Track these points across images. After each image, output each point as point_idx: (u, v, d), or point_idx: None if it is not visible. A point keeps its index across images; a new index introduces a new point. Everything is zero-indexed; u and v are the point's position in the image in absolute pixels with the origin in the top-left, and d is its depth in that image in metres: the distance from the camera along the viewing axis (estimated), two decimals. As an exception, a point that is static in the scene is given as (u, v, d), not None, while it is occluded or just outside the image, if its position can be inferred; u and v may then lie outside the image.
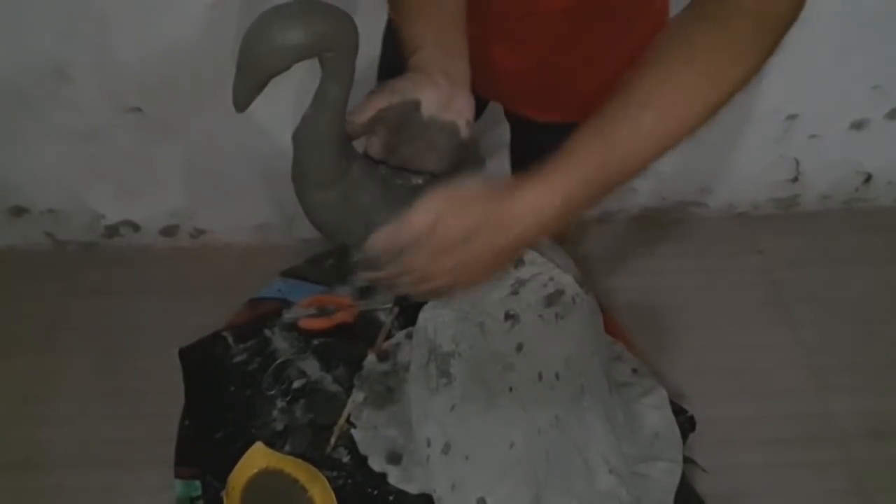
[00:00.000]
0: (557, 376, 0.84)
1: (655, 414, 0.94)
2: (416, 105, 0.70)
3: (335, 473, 0.89)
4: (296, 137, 0.69)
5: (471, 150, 0.75)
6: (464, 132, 0.73)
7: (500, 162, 1.20)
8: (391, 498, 0.87)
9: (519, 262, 0.85)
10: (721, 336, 1.66)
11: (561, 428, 0.84)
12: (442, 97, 0.71)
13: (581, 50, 0.94)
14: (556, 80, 0.99)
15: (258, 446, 0.89)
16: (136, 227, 1.85)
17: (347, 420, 0.93)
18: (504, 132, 1.20)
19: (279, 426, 0.94)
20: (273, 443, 0.91)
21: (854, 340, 1.67)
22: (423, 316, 0.87)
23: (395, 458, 0.89)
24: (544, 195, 0.64)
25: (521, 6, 0.89)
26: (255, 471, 0.89)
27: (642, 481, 0.87)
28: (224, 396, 0.97)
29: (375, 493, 0.88)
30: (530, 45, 0.94)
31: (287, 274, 1.14)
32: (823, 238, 1.85)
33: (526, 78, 1.00)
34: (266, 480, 0.88)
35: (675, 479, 0.89)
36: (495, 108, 1.14)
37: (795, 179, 1.83)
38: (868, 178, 1.84)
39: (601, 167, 0.64)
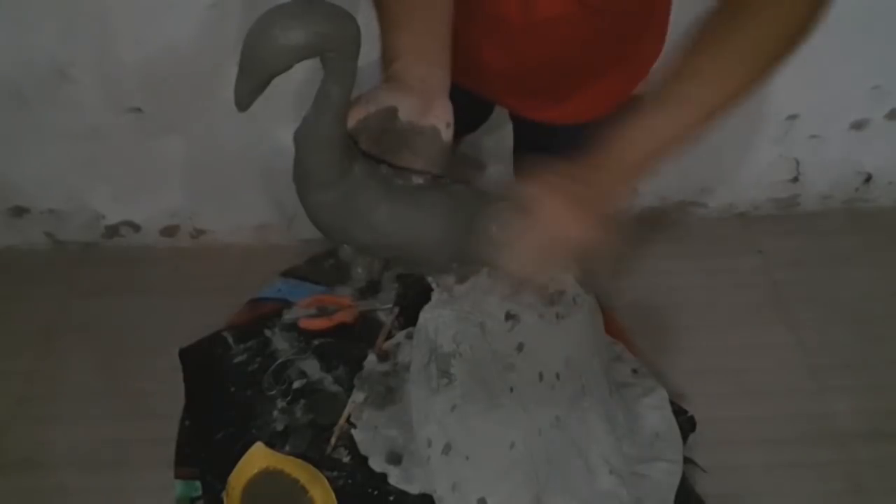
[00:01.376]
0: (558, 376, 0.84)
1: (656, 414, 0.94)
2: (394, 112, 0.71)
3: (335, 474, 0.89)
4: (297, 138, 0.69)
5: (461, 156, 0.75)
6: (444, 135, 0.73)
7: (503, 166, 1.20)
8: (391, 498, 0.87)
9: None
10: (721, 336, 1.66)
11: (561, 428, 0.84)
12: (419, 103, 0.72)
13: (577, 58, 0.94)
14: (552, 84, 0.99)
15: (258, 447, 0.89)
16: (136, 227, 1.86)
17: (348, 420, 0.93)
18: (506, 137, 1.20)
19: (279, 426, 0.94)
20: (273, 443, 0.91)
21: (854, 340, 1.67)
22: (424, 316, 0.87)
23: (395, 459, 0.89)
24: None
25: (517, 15, 0.89)
26: (255, 471, 0.88)
27: (643, 482, 0.87)
28: (224, 396, 0.97)
29: (376, 493, 0.88)
30: (525, 51, 0.94)
31: (287, 274, 1.14)
32: (823, 238, 1.85)
33: (521, 81, 1.00)
34: (266, 481, 0.88)
35: (676, 480, 0.89)
36: (500, 114, 1.14)
37: (795, 179, 1.83)
38: (868, 178, 1.84)
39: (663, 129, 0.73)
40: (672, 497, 0.87)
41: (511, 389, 0.84)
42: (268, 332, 1.03)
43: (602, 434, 0.86)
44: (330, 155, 0.68)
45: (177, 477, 0.96)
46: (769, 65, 0.74)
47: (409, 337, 0.98)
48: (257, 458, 0.89)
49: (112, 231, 1.86)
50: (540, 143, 1.00)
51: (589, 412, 0.86)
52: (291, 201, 0.72)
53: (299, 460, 0.89)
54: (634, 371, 0.99)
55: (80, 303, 1.79)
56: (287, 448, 0.91)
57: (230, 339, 1.03)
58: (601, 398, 0.88)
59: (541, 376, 0.84)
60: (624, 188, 0.74)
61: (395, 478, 0.88)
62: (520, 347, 0.84)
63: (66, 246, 1.89)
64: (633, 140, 0.72)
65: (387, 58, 0.76)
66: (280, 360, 0.99)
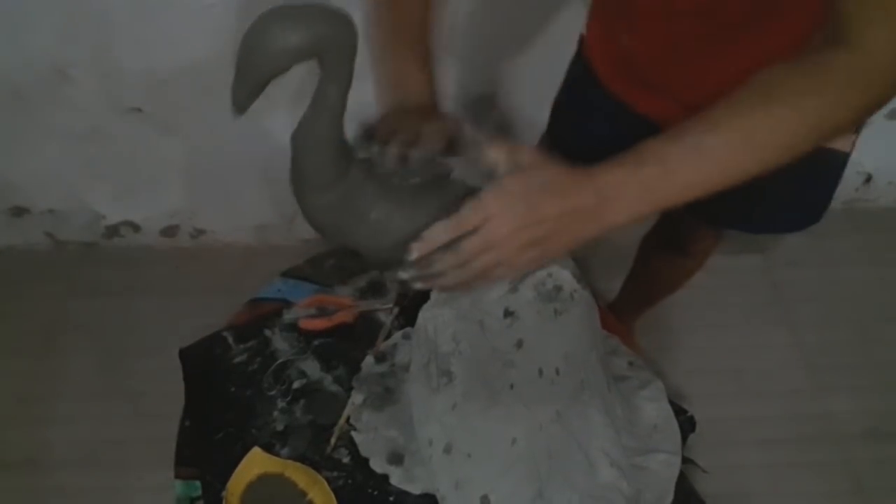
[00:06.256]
0: (557, 372, 0.85)
1: (653, 406, 0.95)
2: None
3: (335, 474, 0.89)
4: (294, 139, 0.69)
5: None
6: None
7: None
8: (392, 498, 0.87)
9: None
10: (721, 336, 1.66)
11: (562, 423, 0.84)
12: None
13: (709, 49, 0.90)
14: (683, 72, 0.95)
15: (255, 451, 0.89)
16: (136, 227, 1.85)
17: (347, 421, 0.93)
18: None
19: (279, 426, 0.94)
20: (273, 443, 0.91)
21: (854, 340, 1.67)
22: (423, 315, 0.87)
23: (396, 459, 0.89)
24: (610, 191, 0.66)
25: (657, 6, 0.88)
26: (254, 476, 0.88)
27: (642, 473, 0.87)
28: (224, 397, 0.97)
29: (376, 493, 0.88)
30: (664, 41, 0.92)
31: (287, 274, 1.14)
32: (823, 238, 1.85)
33: (654, 65, 0.97)
34: (265, 485, 0.88)
35: (675, 471, 0.89)
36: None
37: (795, 179, 1.82)
38: (868, 179, 1.84)
39: (659, 177, 0.66)
40: (672, 487, 0.88)
41: (511, 386, 0.84)
42: (268, 333, 1.03)
43: (602, 427, 0.86)
44: (327, 156, 0.68)
45: (177, 477, 0.96)
46: (812, 132, 0.65)
47: (406, 337, 0.99)
48: (255, 463, 0.89)
49: (112, 231, 1.86)
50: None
51: (588, 406, 0.86)
52: (291, 201, 0.72)
53: (297, 463, 0.89)
54: (631, 364, 0.99)
55: (80, 303, 1.79)
56: (287, 448, 0.91)
57: (230, 339, 1.03)
58: (600, 392, 0.88)
59: (540, 372, 0.84)
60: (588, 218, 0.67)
61: (397, 478, 0.88)
62: (519, 344, 0.84)
63: (66, 246, 1.88)
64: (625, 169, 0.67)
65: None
66: (280, 361, 0.99)
